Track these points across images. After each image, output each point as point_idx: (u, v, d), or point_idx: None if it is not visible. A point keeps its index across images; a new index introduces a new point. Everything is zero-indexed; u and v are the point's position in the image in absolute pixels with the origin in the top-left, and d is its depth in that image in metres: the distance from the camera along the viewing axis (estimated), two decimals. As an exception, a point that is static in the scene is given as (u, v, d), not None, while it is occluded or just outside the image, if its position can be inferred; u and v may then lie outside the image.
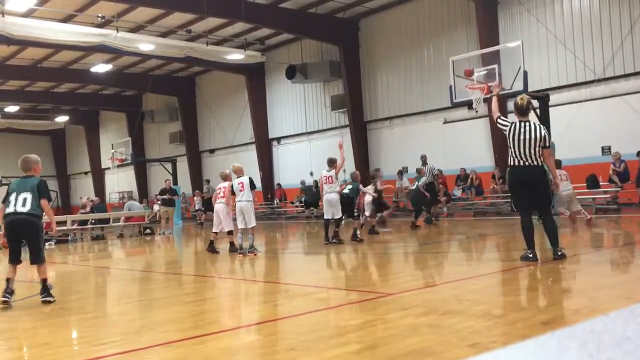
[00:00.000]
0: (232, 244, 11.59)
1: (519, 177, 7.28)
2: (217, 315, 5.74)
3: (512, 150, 7.20)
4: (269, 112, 28.33)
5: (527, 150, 7.10)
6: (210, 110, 31.86)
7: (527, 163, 7.13)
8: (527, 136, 7.11)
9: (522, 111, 7.35)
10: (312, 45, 25.52)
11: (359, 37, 24.11)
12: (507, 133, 7.25)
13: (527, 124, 7.21)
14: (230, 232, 11.66)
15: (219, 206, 11.72)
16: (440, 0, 21.34)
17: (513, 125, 7.24)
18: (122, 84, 31.94)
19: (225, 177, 11.79)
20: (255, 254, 10.60)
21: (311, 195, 22.67)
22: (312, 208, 22.55)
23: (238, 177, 11.04)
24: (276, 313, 5.57)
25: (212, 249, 11.59)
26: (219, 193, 11.87)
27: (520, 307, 5.11)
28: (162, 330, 4.83)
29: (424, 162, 16.43)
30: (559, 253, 7.25)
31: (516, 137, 7.14)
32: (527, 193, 7.26)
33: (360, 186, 13.21)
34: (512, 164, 7.27)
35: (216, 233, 11.71)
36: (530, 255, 7.22)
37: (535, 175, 7.20)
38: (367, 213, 13.93)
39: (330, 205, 11.67)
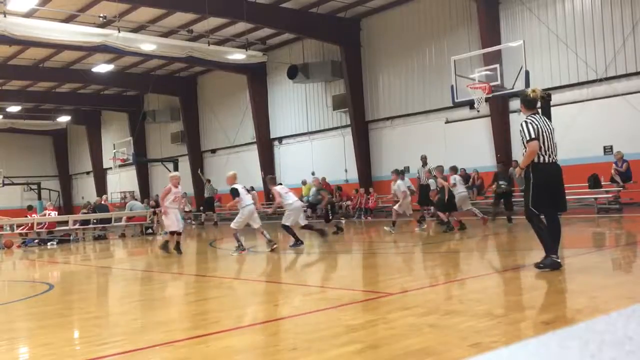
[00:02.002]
0: (166, 242, 12.39)
1: (547, 175, 6.56)
2: (219, 315, 5.73)
3: (541, 146, 6.49)
4: (271, 112, 28.31)
5: (550, 143, 6.52)
6: (211, 110, 31.86)
7: (553, 159, 6.55)
8: (549, 128, 6.57)
9: (534, 104, 6.85)
10: (313, 45, 25.52)
11: (360, 37, 24.09)
12: (536, 131, 6.45)
13: (540, 116, 6.75)
14: (179, 233, 12.23)
15: (171, 210, 12.25)
16: (442, 0, 21.33)
17: (536, 120, 6.57)
18: (123, 84, 31.95)
19: (176, 181, 12.33)
20: (273, 248, 11.08)
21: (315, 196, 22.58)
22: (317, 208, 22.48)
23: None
24: (278, 313, 5.57)
25: (165, 247, 12.24)
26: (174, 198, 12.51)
27: (522, 306, 5.11)
28: (164, 330, 4.83)
29: (424, 163, 16.42)
30: (541, 263, 6.58)
31: (543, 130, 6.49)
32: (552, 192, 6.60)
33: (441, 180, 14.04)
34: (537, 160, 6.50)
35: (172, 234, 12.26)
36: (558, 260, 6.57)
37: (560, 172, 6.68)
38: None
39: (303, 211, 12.57)
